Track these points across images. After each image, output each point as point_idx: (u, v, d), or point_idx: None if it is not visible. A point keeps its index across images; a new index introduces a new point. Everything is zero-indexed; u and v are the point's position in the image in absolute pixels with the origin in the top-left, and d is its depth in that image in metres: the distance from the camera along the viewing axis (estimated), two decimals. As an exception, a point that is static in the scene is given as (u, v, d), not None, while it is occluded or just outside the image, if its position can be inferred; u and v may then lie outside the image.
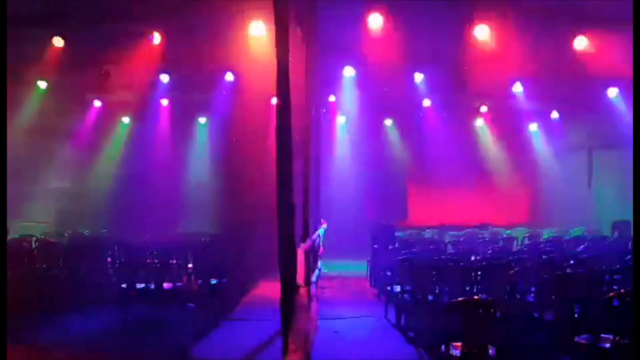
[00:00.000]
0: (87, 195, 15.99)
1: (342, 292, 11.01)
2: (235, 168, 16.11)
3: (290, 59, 4.73)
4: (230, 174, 16.56)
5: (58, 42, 9.94)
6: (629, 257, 8.13)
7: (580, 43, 10.12)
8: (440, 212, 15.97)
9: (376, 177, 17.55)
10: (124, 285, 8.14)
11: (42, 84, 13.09)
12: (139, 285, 8.10)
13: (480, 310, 5.09)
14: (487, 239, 11.98)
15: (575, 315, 5.79)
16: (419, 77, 12.38)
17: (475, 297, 6.52)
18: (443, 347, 5.07)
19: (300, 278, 4.81)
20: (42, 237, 11.25)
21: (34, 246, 10.29)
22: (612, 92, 13.22)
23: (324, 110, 12.96)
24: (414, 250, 9.58)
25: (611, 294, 5.31)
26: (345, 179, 17.41)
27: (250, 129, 15.59)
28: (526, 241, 11.80)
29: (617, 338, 5.12)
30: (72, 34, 9.96)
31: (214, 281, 8.95)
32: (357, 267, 13.11)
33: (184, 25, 9.93)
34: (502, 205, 16.57)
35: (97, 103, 15.33)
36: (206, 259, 9.14)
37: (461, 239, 12.01)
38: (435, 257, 8.59)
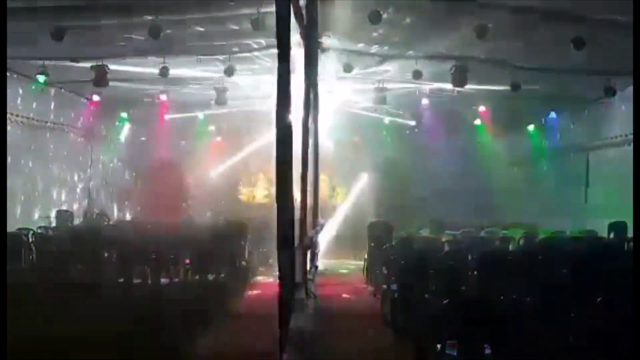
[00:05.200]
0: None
1: (339, 290, 11.03)
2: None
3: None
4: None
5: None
6: (625, 257, 8.17)
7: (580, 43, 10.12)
8: (437, 211, 15.98)
9: (375, 176, 17.58)
10: (121, 280, 8.14)
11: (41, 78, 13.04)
12: (136, 281, 8.11)
13: (477, 310, 5.11)
14: (484, 238, 12.00)
15: (572, 315, 5.82)
16: (418, 76, 12.38)
17: (472, 296, 6.56)
18: (439, 346, 5.09)
19: (298, 276, 4.83)
20: (39, 231, 11.24)
21: (30, 240, 10.28)
22: (610, 93, 13.24)
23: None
24: (411, 248, 9.60)
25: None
26: (344, 177, 17.44)
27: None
28: (523, 241, 11.83)
29: (613, 338, 5.15)
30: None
31: (211, 277, 8.96)
32: (354, 265, 13.15)
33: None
34: (500, 205, 16.61)
35: (96, 97, 15.30)
36: (204, 254, 9.15)
37: (458, 238, 12.04)
38: (432, 256, 8.62)
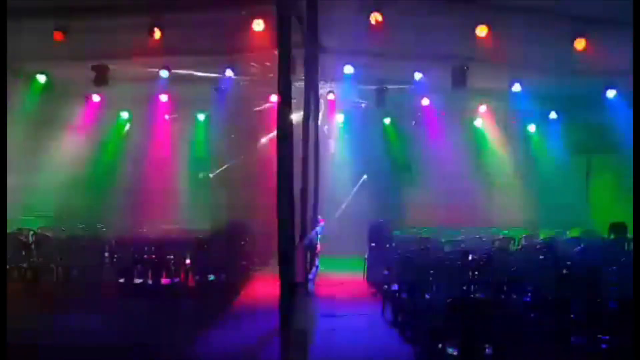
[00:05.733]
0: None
1: (339, 290, 11.02)
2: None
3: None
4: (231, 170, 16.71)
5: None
6: (624, 258, 8.17)
7: (580, 44, 10.12)
8: (438, 211, 15.98)
9: (375, 176, 17.55)
10: (121, 281, 8.14)
11: (42, 78, 13.05)
12: (137, 281, 8.10)
13: (478, 310, 5.11)
14: (484, 238, 12.00)
15: (572, 316, 5.81)
16: (418, 76, 12.39)
17: (473, 296, 6.56)
18: (440, 345, 5.09)
19: (298, 276, 4.83)
20: (39, 231, 11.22)
21: (31, 240, 10.28)
22: (611, 94, 13.24)
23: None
24: (412, 249, 9.59)
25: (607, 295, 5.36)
26: (343, 177, 17.42)
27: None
28: (523, 241, 11.82)
29: (613, 339, 5.15)
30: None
31: (211, 277, 8.96)
32: (354, 265, 13.12)
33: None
34: (500, 205, 16.60)
35: (96, 97, 15.29)
36: (204, 255, 9.15)
37: (458, 239, 12.03)
38: (433, 256, 8.62)
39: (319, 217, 11.97)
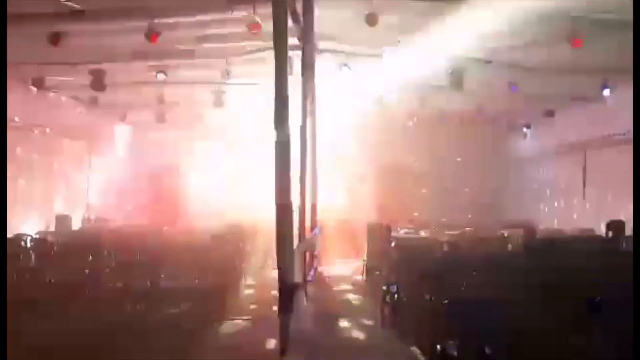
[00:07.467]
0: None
1: (338, 291, 11.04)
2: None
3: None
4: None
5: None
6: (623, 257, 8.19)
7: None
8: (437, 211, 16.02)
9: (375, 176, 17.59)
10: (120, 284, 8.12)
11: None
12: (135, 284, 8.08)
13: (477, 310, 5.11)
14: (483, 238, 12.02)
15: (572, 316, 5.82)
16: (417, 75, 12.39)
17: (472, 296, 6.56)
18: (439, 346, 5.10)
19: (297, 278, 4.84)
20: (37, 235, 11.21)
21: (29, 245, 10.26)
22: (608, 92, 13.26)
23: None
24: (411, 249, 9.60)
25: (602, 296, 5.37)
26: (343, 177, 17.46)
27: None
28: (521, 241, 11.83)
29: (611, 338, 5.16)
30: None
31: (211, 279, 8.94)
32: (353, 266, 13.15)
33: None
34: (500, 205, 16.65)
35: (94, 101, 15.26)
36: (203, 256, 9.15)
37: (457, 238, 12.04)
38: (432, 256, 8.63)
39: (318, 218, 11.97)
